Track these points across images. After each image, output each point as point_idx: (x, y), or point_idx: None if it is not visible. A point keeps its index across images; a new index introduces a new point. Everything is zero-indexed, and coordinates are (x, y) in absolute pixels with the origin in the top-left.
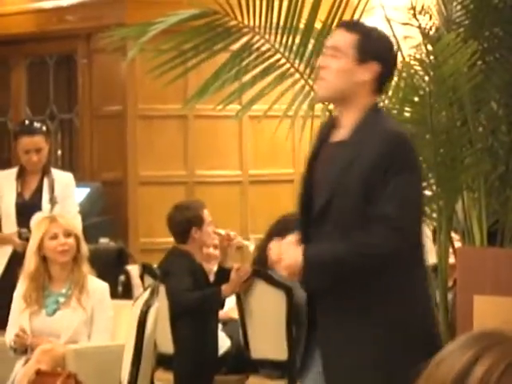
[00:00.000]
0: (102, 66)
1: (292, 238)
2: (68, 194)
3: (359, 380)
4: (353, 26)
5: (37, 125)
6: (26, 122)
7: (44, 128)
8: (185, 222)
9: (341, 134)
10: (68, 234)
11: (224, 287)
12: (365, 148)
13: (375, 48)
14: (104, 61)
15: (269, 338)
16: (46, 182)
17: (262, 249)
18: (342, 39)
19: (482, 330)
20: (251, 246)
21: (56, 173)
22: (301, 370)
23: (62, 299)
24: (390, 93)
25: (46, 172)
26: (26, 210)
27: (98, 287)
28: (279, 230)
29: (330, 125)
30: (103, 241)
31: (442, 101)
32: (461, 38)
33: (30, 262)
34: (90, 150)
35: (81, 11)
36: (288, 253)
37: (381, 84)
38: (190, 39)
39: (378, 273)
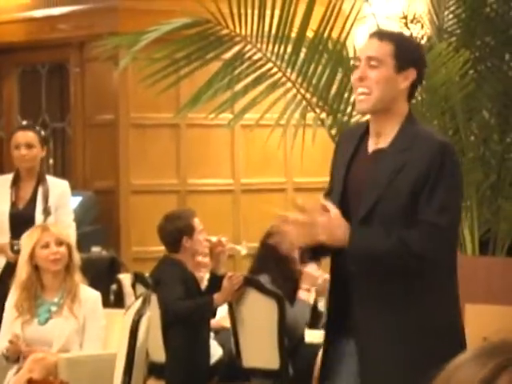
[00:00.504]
0: (94, 75)
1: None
2: (63, 203)
3: (392, 378)
4: (385, 34)
5: (30, 123)
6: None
7: (38, 128)
8: (175, 231)
9: (379, 142)
10: (60, 243)
11: (216, 296)
12: (413, 156)
13: (411, 54)
14: (96, 69)
15: (260, 347)
16: (40, 191)
17: (257, 257)
18: (378, 49)
19: (502, 341)
20: (243, 251)
21: (51, 180)
22: (328, 375)
23: (54, 308)
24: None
25: (40, 180)
26: (19, 220)
27: (90, 296)
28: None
29: (360, 132)
30: (95, 249)
31: (434, 110)
32: (452, 47)
33: (22, 271)
34: (83, 159)
35: (73, 20)
36: (334, 223)
37: (414, 89)
38: (182, 48)
39: (416, 274)
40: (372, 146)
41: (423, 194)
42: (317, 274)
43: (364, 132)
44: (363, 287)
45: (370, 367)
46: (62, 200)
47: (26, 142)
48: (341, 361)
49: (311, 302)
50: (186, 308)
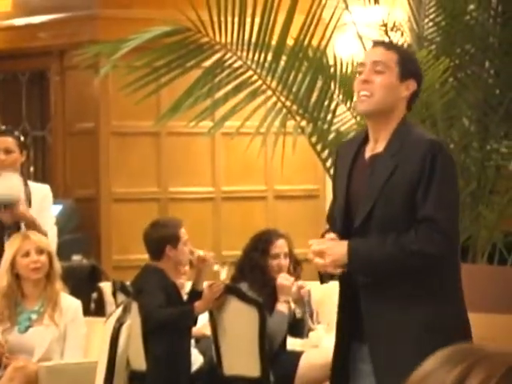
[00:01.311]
0: (74, 83)
1: (333, 235)
2: (45, 206)
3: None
4: (390, 45)
5: (9, 128)
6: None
7: (17, 133)
8: (160, 239)
9: (376, 147)
10: (40, 251)
11: (197, 304)
12: (404, 158)
13: (413, 66)
14: (77, 78)
15: (241, 355)
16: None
17: (240, 266)
18: (385, 56)
19: (463, 347)
20: (223, 273)
21: (33, 185)
22: (341, 379)
23: (34, 316)
24: None
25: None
26: (2, 225)
27: (70, 304)
28: (256, 246)
29: (358, 141)
30: (76, 258)
31: (414, 117)
32: (432, 55)
33: (3, 279)
34: (63, 167)
35: (53, 28)
36: (333, 248)
37: (412, 101)
38: (162, 56)
39: (421, 273)
40: (369, 151)
41: (418, 193)
42: (288, 283)
43: (362, 140)
44: (371, 292)
45: (384, 369)
46: (43, 203)
47: (5, 147)
48: (354, 365)
49: (286, 312)
50: (166, 315)
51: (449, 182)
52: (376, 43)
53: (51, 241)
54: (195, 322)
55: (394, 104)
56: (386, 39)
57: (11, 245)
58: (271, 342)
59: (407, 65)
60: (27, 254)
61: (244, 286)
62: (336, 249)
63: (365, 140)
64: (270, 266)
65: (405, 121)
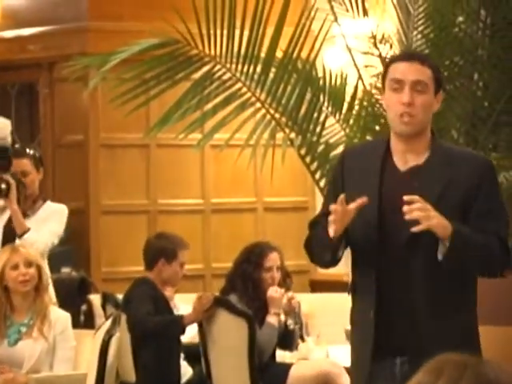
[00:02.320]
0: (64, 96)
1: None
2: (51, 218)
3: None
4: (423, 58)
5: (23, 147)
6: (16, 145)
7: (32, 152)
8: (157, 249)
9: (409, 160)
10: (29, 264)
11: (186, 315)
12: (458, 171)
13: (441, 77)
14: (66, 90)
15: (231, 367)
16: (32, 208)
17: (230, 278)
18: (423, 74)
19: (440, 359)
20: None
21: (50, 204)
22: None
23: (23, 329)
24: (352, 121)
25: (35, 202)
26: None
27: (59, 317)
28: (249, 258)
29: (378, 153)
30: (65, 270)
31: None
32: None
33: None
34: (52, 180)
35: (43, 41)
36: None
37: None
38: (151, 68)
39: (469, 282)
40: (402, 163)
41: (475, 208)
42: (278, 295)
43: (385, 150)
44: (416, 295)
45: None
46: (52, 216)
47: (21, 170)
48: (377, 381)
49: (276, 325)
50: (155, 323)
51: (499, 195)
52: (408, 56)
53: (40, 242)
54: (183, 332)
55: (430, 119)
56: (375, 52)
57: (0, 257)
58: (261, 353)
59: (438, 78)
60: (16, 267)
61: (233, 298)
62: (441, 217)
63: (387, 150)
64: (264, 279)
65: (433, 132)
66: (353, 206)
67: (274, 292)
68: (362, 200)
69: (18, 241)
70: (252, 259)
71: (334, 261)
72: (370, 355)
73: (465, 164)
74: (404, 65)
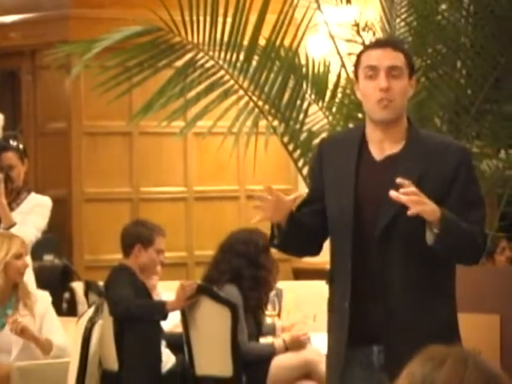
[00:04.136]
0: (46, 83)
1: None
2: (34, 211)
3: None
4: (396, 44)
5: (8, 138)
6: None
7: (15, 144)
8: (133, 235)
9: (385, 148)
10: (26, 253)
11: (169, 302)
12: (436, 161)
13: (413, 62)
14: (48, 78)
15: (214, 355)
16: (15, 201)
17: (212, 266)
18: (398, 59)
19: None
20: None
21: (34, 195)
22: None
23: (9, 311)
24: (334, 109)
25: (21, 193)
26: None
27: (40, 295)
28: (229, 245)
29: (354, 141)
30: (48, 258)
31: None
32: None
33: None
34: (35, 168)
35: (25, 28)
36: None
37: None
38: (134, 56)
39: (445, 269)
40: (378, 152)
41: (452, 196)
42: (302, 339)
43: (361, 139)
44: (403, 286)
45: (398, 365)
46: (35, 208)
47: (8, 164)
48: (357, 369)
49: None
50: (136, 306)
51: (478, 185)
52: (381, 43)
53: (24, 237)
54: (165, 318)
55: (405, 106)
56: (359, 39)
57: (7, 245)
58: (245, 353)
59: (411, 63)
60: (19, 257)
61: (232, 289)
62: (431, 202)
63: (363, 139)
64: (268, 265)
65: (410, 120)
66: (290, 197)
67: (301, 335)
68: (299, 194)
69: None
70: (260, 245)
71: (279, 247)
72: (346, 343)
73: (442, 153)
74: (377, 51)
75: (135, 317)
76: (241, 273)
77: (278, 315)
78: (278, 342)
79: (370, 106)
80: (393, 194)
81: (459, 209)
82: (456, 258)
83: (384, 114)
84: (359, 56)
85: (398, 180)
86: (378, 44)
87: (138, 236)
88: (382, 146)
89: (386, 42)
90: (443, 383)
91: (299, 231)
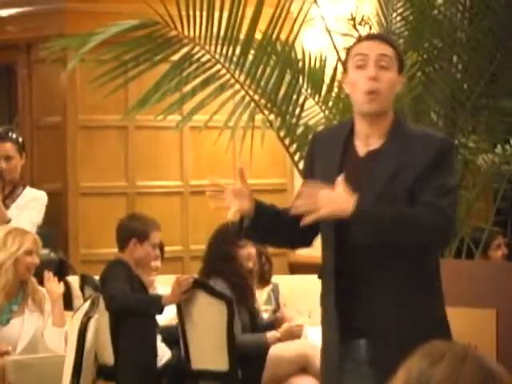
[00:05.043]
0: (42, 77)
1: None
2: (31, 205)
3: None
4: (384, 38)
5: (6, 131)
6: None
7: (15, 136)
8: (128, 230)
9: (370, 143)
10: (37, 254)
11: (165, 296)
12: (412, 156)
13: (402, 59)
14: (44, 72)
15: (210, 349)
16: (11, 194)
17: (209, 260)
18: (386, 49)
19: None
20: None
21: (29, 190)
22: (332, 377)
23: (15, 307)
24: (331, 103)
25: (16, 187)
26: None
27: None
28: (222, 238)
29: (343, 135)
30: (43, 252)
31: None
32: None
33: (7, 272)
34: (30, 161)
35: (21, 22)
36: (341, 197)
37: None
38: (130, 50)
39: (420, 259)
40: (362, 147)
41: (421, 182)
42: (295, 331)
43: (348, 133)
44: (370, 275)
45: (383, 360)
46: (31, 203)
47: (5, 155)
48: (345, 363)
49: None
50: (132, 300)
51: (452, 176)
52: (371, 36)
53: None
54: (161, 312)
55: (392, 100)
56: (355, 34)
57: (19, 241)
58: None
59: (401, 59)
60: (30, 253)
61: (218, 281)
62: (343, 198)
63: (350, 133)
64: (240, 255)
65: (398, 115)
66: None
67: (294, 325)
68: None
69: None
70: (229, 239)
71: (246, 236)
72: (336, 338)
73: (422, 147)
74: (367, 42)
75: (131, 311)
76: (217, 266)
77: (275, 311)
78: (270, 333)
79: (358, 97)
80: (294, 204)
81: (429, 192)
82: (402, 245)
83: (371, 106)
84: (349, 49)
85: (299, 190)
86: (367, 37)
87: (133, 230)
88: (367, 141)
89: (376, 35)
90: (439, 380)
91: (276, 221)
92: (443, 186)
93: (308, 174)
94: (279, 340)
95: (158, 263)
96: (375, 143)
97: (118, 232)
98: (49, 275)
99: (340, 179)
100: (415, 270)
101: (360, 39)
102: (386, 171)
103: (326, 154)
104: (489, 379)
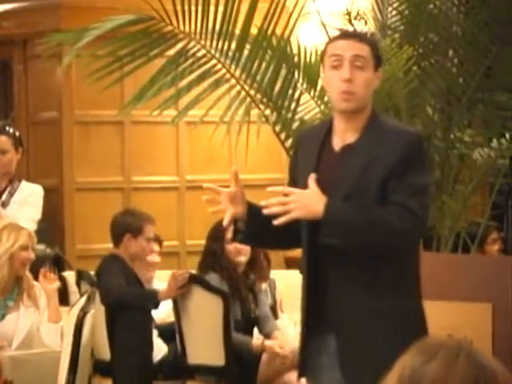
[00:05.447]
0: (38, 73)
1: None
2: (29, 201)
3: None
4: (361, 36)
5: (3, 125)
6: None
7: (12, 130)
8: (122, 225)
9: (346, 138)
10: (32, 249)
11: (161, 291)
12: (383, 150)
13: (380, 54)
14: (40, 67)
15: (206, 344)
16: (8, 190)
17: (203, 257)
18: (363, 49)
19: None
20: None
21: (25, 184)
22: (308, 369)
23: (11, 303)
24: (326, 98)
25: (12, 182)
26: None
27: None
28: (211, 235)
29: (323, 131)
30: (39, 247)
31: (377, 106)
32: (396, 44)
33: (3, 268)
34: (26, 157)
35: (17, 17)
36: (305, 194)
37: None
38: (126, 45)
39: (389, 256)
40: (338, 142)
41: (392, 180)
42: (283, 350)
43: (327, 130)
44: (341, 275)
45: (350, 356)
46: (29, 198)
47: (0, 148)
48: (318, 358)
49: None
50: (128, 294)
51: (425, 176)
52: (346, 34)
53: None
54: (156, 306)
55: (369, 97)
56: (350, 28)
57: (14, 236)
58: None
59: (378, 55)
60: (25, 248)
61: (214, 277)
62: (313, 199)
63: (330, 130)
64: (229, 251)
65: (374, 111)
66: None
67: (280, 345)
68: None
69: None
70: (218, 236)
71: (241, 240)
72: (306, 331)
73: (394, 141)
74: (342, 42)
75: (127, 305)
76: (210, 262)
77: (273, 307)
78: (256, 342)
79: (333, 96)
80: (262, 203)
81: (400, 192)
82: (367, 247)
83: (346, 105)
84: (326, 45)
85: (269, 189)
86: (343, 35)
87: (126, 226)
88: (343, 136)
89: (352, 34)
90: (431, 377)
91: (269, 222)
92: (415, 185)
93: (292, 172)
94: (263, 350)
95: (156, 258)
96: (350, 138)
97: (112, 228)
98: (44, 271)
99: (311, 178)
100: (385, 266)
101: (336, 37)
102: (357, 165)
103: (306, 152)
104: (481, 376)
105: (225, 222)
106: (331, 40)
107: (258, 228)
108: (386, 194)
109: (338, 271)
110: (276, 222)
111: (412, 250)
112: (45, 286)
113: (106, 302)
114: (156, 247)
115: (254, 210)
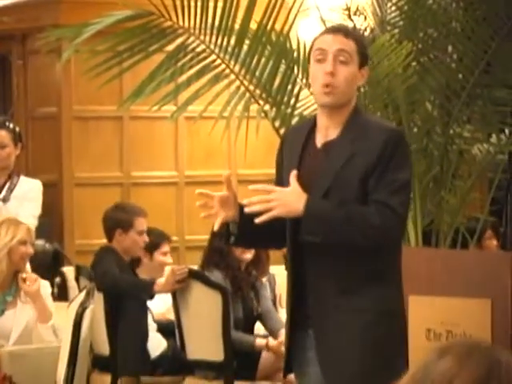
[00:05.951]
0: (37, 68)
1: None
2: (28, 197)
3: (351, 366)
4: (347, 31)
5: (3, 120)
6: None
7: (12, 125)
8: (112, 221)
9: (328, 134)
10: (31, 244)
11: (158, 282)
12: (363, 145)
13: (367, 52)
14: (39, 62)
15: (205, 339)
16: (7, 185)
17: (206, 255)
18: (347, 44)
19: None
20: None
21: (24, 179)
22: (293, 365)
23: (9, 298)
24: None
25: (11, 177)
26: None
27: (42, 284)
28: (217, 233)
29: (307, 128)
30: (39, 242)
31: (377, 102)
32: (395, 39)
33: (1, 263)
34: (25, 152)
35: (16, 12)
36: (285, 193)
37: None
38: (125, 40)
39: (368, 254)
40: (321, 139)
41: (373, 177)
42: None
43: (311, 127)
44: (319, 267)
45: (327, 351)
46: (29, 194)
47: None
48: (304, 352)
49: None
50: (124, 280)
51: (405, 172)
52: (333, 29)
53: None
54: (152, 297)
55: (352, 93)
56: (350, 23)
57: (13, 231)
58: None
59: (364, 52)
60: (24, 243)
61: (218, 275)
62: (294, 198)
63: (314, 126)
64: (235, 249)
65: (357, 107)
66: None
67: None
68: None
69: None
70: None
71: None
72: (288, 327)
73: (374, 137)
74: (328, 36)
75: (122, 291)
76: (214, 259)
77: (273, 302)
78: (260, 343)
79: (316, 90)
80: (244, 202)
81: (380, 189)
82: (347, 245)
83: (327, 99)
84: (313, 41)
85: (250, 187)
86: (330, 29)
87: (116, 221)
88: (326, 133)
89: (338, 29)
90: (444, 368)
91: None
92: (395, 182)
93: (278, 170)
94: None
95: (168, 259)
96: (332, 134)
97: (104, 223)
98: (22, 277)
99: (293, 175)
100: (364, 263)
101: (323, 32)
102: (338, 160)
103: (290, 149)
104: (494, 368)
105: (215, 228)
106: (319, 34)
107: (249, 229)
108: (367, 190)
109: (318, 268)
110: (257, 221)
111: (392, 247)
112: (26, 289)
113: (101, 286)
114: (166, 247)
115: (245, 212)
